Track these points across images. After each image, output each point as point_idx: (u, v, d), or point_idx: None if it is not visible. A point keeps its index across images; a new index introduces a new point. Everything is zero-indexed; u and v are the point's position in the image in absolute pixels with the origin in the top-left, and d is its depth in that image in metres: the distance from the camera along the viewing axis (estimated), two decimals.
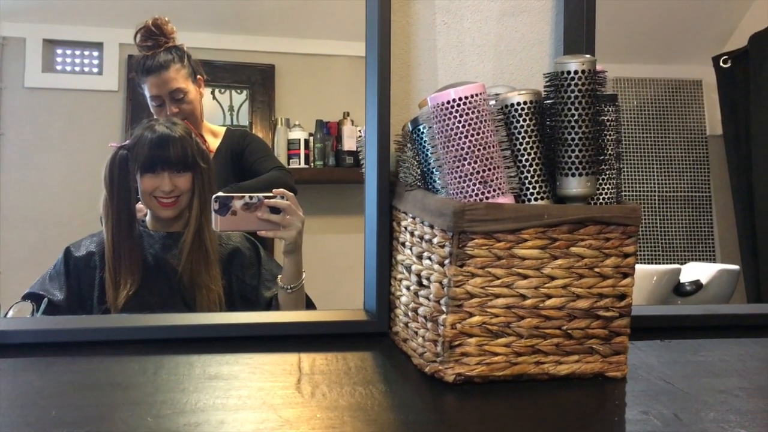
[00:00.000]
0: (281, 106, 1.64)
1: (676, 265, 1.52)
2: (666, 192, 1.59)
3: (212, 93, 1.61)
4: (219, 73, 1.61)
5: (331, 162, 1.65)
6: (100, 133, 1.56)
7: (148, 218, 1.34)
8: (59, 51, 1.57)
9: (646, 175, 1.59)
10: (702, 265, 1.54)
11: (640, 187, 1.58)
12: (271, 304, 1.30)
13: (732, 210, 1.60)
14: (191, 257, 1.30)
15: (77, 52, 1.58)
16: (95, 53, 1.58)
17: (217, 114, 1.62)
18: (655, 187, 1.59)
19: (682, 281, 1.48)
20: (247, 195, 1.19)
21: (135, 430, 0.68)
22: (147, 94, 1.44)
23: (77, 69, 1.58)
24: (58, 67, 1.57)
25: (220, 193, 1.19)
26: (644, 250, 1.56)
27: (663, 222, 1.58)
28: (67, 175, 1.54)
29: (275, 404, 0.75)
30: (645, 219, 1.57)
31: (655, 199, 1.58)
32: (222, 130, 1.52)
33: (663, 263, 1.56)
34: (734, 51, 1.60)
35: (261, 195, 1.19)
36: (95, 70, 1.59)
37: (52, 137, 1.54)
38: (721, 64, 1.61)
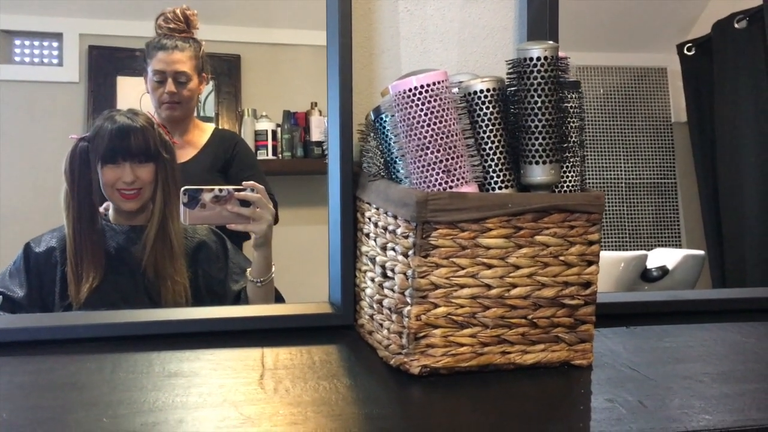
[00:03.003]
0: (248, 96, 1.61)
1: (643, 252, 1.53)
2: (632, 179, 1.60)
3: None
4: None
5: (300, 153, 1.63)
6: (61, 125, 1.52)
7: (110, 212, 1.32)
8: (17, 42, 1.53)
9: (612, 163, 1.59)
10: (668, 251, 1.55)
11: (606, 174, 1.59)
12: (239, 298, 1.28)
13: (697, 196, 1.62)
14: (155, 250, 1.28)
15: (36, 43, 1.54)
16: (55, 44, 1.54)
17: None
18: (621, 174, 1.60)
19: (648, 267, 1.49)
20: (216, 188, 1.17)
21: None
22: (150, 69, 1.43)
23: (36, 60, 1.54)
24: (17, 59, 1.53)
25: (189, 186, 1.17)
26: (611, 237, 1.57)
27: (629, 208, 1.59)
28: (26, 169, 1.50)
29: (237, 401, 0.73)
30: (612, 206, 1.58)
31: (621, 186, 1.59)
32: (210, 128, 1.51)
33: (630, 249, 1.57)
34: (698, 39, 1.61)
35: (231, 188, 1.18)
36: (55, 61, 1.55)
37: (10, 130, 1.50)
38: (686, 51, 1.62)
